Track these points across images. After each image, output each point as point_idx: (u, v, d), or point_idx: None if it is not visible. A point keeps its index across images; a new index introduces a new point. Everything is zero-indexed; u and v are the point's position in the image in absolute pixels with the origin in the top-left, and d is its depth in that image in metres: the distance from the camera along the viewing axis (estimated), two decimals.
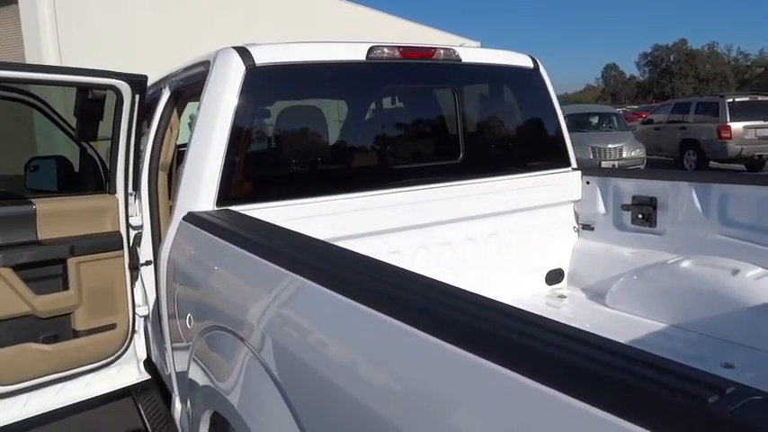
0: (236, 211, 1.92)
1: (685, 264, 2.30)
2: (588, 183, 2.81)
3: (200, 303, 1.66)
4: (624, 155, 11.57)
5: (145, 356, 2.94)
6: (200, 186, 1.97)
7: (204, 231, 1.73)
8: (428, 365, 0.86)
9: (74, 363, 2.65)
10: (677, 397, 0.65)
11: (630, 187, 2.65)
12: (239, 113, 2.02)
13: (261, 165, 2.23)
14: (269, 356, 1.21)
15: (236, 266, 1.51)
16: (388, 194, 2.29)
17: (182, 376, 1.95)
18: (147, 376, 2.94)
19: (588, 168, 2.87)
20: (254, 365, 1.26)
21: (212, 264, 1.65)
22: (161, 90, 2.91)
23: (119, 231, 2.71)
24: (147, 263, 2.83)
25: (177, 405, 2.08)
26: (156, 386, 2.90)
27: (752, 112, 12.37)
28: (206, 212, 1.89)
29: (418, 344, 0.87)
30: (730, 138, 12.20)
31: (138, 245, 2.79)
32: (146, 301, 2.85)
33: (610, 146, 11.72)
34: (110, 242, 2.68)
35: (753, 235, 2.17)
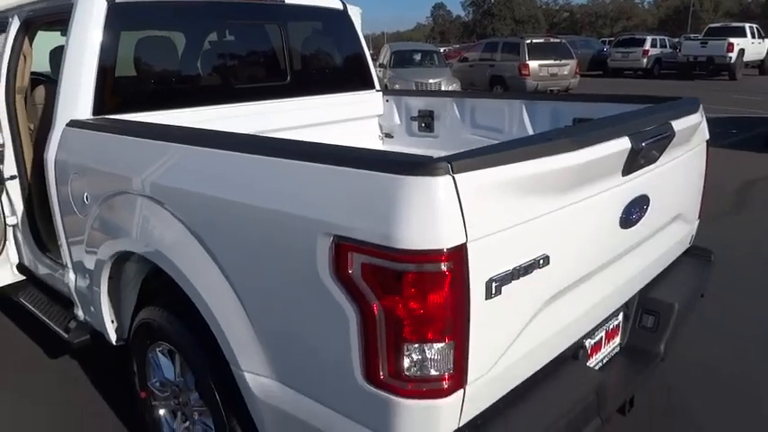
0: (111, 117, 2.48)
1: None
2: (387, 101, 3.70)
3: (95, 182, 2.24)
4: (442, 89, 12.95)
5: (17, 261, 3.35)
6: (78, 102, 2.49)
7: (93, 131, 2.31)
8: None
9: None
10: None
11: (417, 103, 3.57)
12: (104, 43, 2.53)
13: (124, 84, 2.76)
14: (157, 195, 1.90)
15: (122, 147, 2.14)
16: (229, 107, 2.95)
17: (76, 248, 2.52)
18: (21, 277, 3.37)
19: (385, 90, 3.76)
20: (148, 205, 1.94)
21: (104, 150, 2.24)
22: (8, 19, 3.20)
23: None
24: (12, 177, 3.20)
25: (71, 276, 2.64)
26: (30, 284, 3.35)
27: (545, 52, 14.36)
28: (89, 119, 2.44)
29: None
30: (529, 75, 14.12)
31: (1, 162, 3.15)
32: (13, 212, 3.24)
33: (430, 81, 13.02)
34: None
35: (490, 133, 3.19)
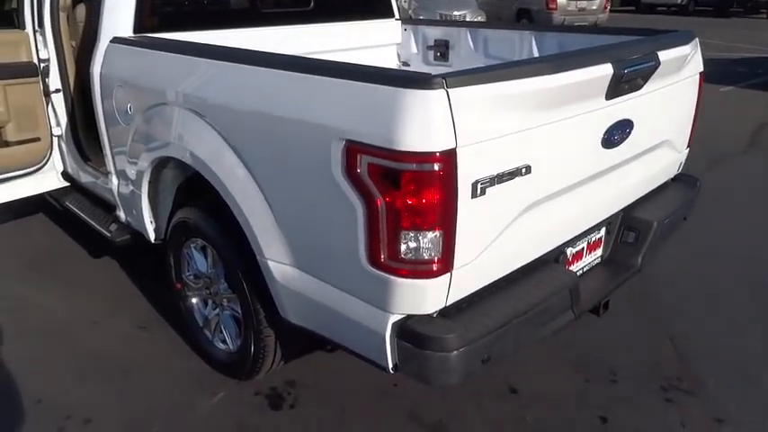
0: (149, 35, 2.72)
1: None
2: (405, 29, 3.85)
3: (138, 95, 2.51)
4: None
5: (62, 169, 3.67)
6: (120, 20, 2.72)
7: (138, 48, 2.57)
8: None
9: (8, 167, 3.35)
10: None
11: (433, 33, 3.73)
12: None
13: (161, 5, 2.97)
14: (196, 107, 2.16)
15: (165, 63, 2.39)
16: (255, 30, 3.15)
17: (119, 156, 2.81)
18: (66, 183, 3.71)
19: (404, 19, 3.91)
20: (187, 116, 2.21)
21: (148, 65, 2.49)
22: None
23: (32, 62, 3.33)
24: (57, 91, 3.47)
25: (114, 181, 2.95)
26: (74, 190, 3.69)
27: None
28: (131, 37, 2.68)
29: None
30: (556, 9, 13.83)
31: (47, 76, 3.41)
32: (58, 124, 3.53)
33: (455, 12, 12.87)
34: (27, 70, 3.30)
35: (498, 61, 3.36)
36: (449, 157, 1.55)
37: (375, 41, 3.76)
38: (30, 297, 3.32)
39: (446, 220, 1.61)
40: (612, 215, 2.39)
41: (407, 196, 1.57)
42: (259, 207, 2.00)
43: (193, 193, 2.64)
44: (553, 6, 13.75)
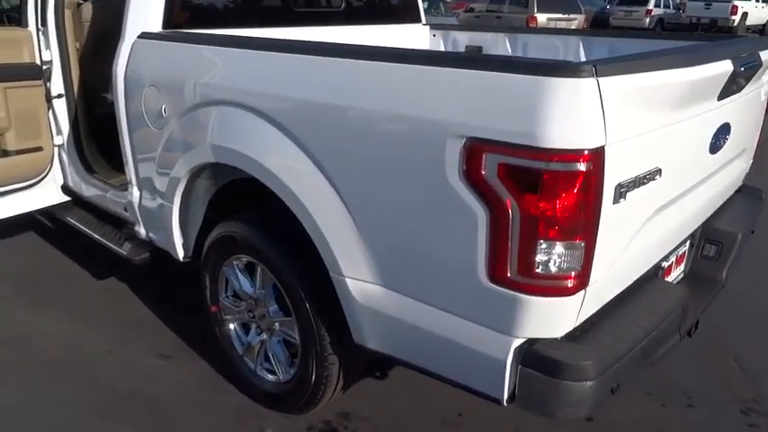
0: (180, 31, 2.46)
1: None
2: (434, 35, 3.67)
3: (176, 94, 2.23)
4: None
5: (62, 182, 3.34)
6: (149, 14, 2.45)
7: (173, 42, 2.29)
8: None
9: (7, 179, 3.01)
10: None
11: (464, 38, 3.55)
12: None
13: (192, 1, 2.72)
14: (256, 104, 1.91)
15: (214, 58, 2.14)
16: (287, 30, 2.92)
17: (145, 164, 2.52)
18: (66, 198, 3.37)
19: (434, 24, 3.73)
20: (241, 115, 1.95)
21: (191, 61, 2.22)
22: None
23: (35, 63, 3.02)
24: (59, 96, 3.16)
25: (135, 193, 2.65)
26: (76, 205, 3.36)
27: (553, 5, 14.18)
28: (163, 31, 2.41)
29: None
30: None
31: (49, 79, 3.10)
32: (59, 132, 3.21)
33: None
34: (30, 72, 2.99)
35: None
36: (598, 156, 1.34)
37: (402, 46, 3.56)
38: (30, 325, 2.96)
39: (589, 229, 1.40)
40: (698, 226, 2.22)
41: (548, 200, 1.35)
42: (338, 217, 1.75)
43: (232, 204, 2.39)
44: (533, 25, 13.90)
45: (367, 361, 2.21)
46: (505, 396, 1.54)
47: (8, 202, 3.12)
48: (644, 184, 1.51)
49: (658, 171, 1.56)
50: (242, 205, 2.33)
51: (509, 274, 1.43)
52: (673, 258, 2.17)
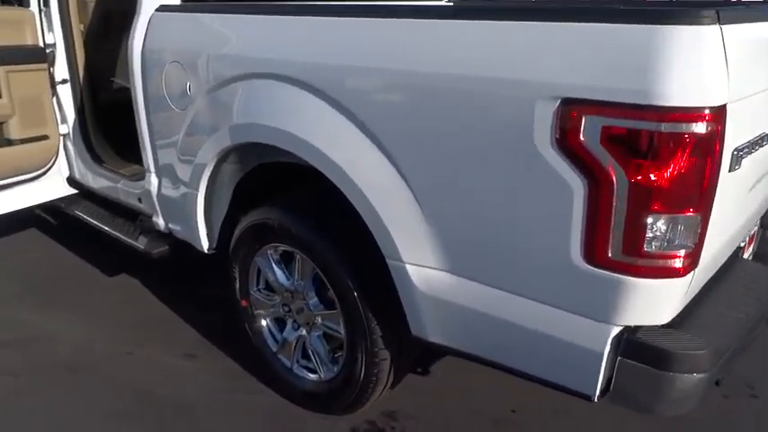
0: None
1: None
2: None
3: (204, 69, 2.03)
4: None
5: (68, 174, 3.14)
6: None
7: (199, 13, 2.10)
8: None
9: (11, 170, 2.80)
10: None
11: None
12: None
13: None
14: (298, 75, 1.72)
15: (251, 27, 1.93)
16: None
17: (165, 150, 2.33)
18: (73, 191, 3.17)
19: None
20: (280, 87, 1.76)
21: (224, 32, 2.02)
22: None
23: (39, 45, 2.80)
24: (63, 81, 2.95)
25: (154, 181, 2.45)
26: (83, 198, 3.15)
27: None
28: (184, 2, 2.22)
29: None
30: None
31: (53, 64, 2.89)
32: (64, 120, 3.00)
33: None
34: (33, 54, 2.78)
35: None
36: (719, 116, 1.17)
37: None
38: (39, 326, 2.75)
39: (705, 201, 1.23)
40: None
41: (661, 167, 1.18)
42: (397, 197, 1.57)
43: (260, 190, 2.20)
44: None
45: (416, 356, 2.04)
46: (598, 391, 1.37)
47: (12, 196, 2.91)
48: (755, 150, 1.35)
49: (766, 137, 1.40)
50: (267, 191, 2.16)
51: (610, 254, 1.26)
52: (746, 239, 2.01)
